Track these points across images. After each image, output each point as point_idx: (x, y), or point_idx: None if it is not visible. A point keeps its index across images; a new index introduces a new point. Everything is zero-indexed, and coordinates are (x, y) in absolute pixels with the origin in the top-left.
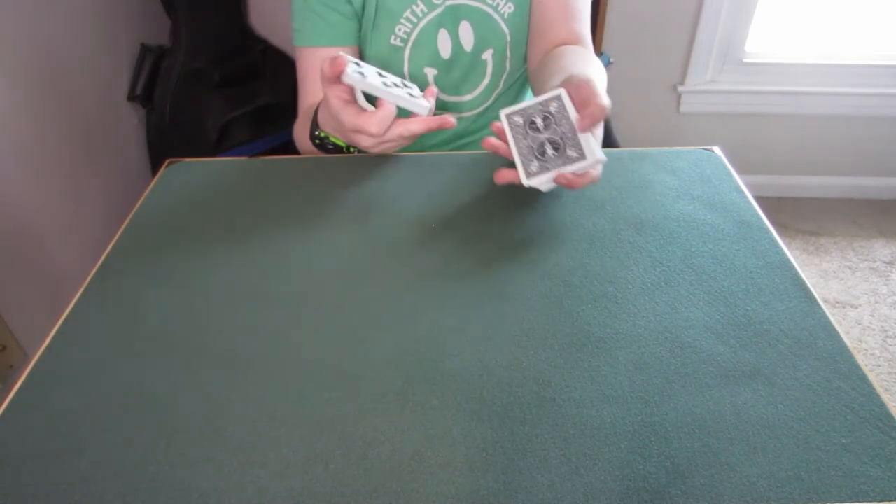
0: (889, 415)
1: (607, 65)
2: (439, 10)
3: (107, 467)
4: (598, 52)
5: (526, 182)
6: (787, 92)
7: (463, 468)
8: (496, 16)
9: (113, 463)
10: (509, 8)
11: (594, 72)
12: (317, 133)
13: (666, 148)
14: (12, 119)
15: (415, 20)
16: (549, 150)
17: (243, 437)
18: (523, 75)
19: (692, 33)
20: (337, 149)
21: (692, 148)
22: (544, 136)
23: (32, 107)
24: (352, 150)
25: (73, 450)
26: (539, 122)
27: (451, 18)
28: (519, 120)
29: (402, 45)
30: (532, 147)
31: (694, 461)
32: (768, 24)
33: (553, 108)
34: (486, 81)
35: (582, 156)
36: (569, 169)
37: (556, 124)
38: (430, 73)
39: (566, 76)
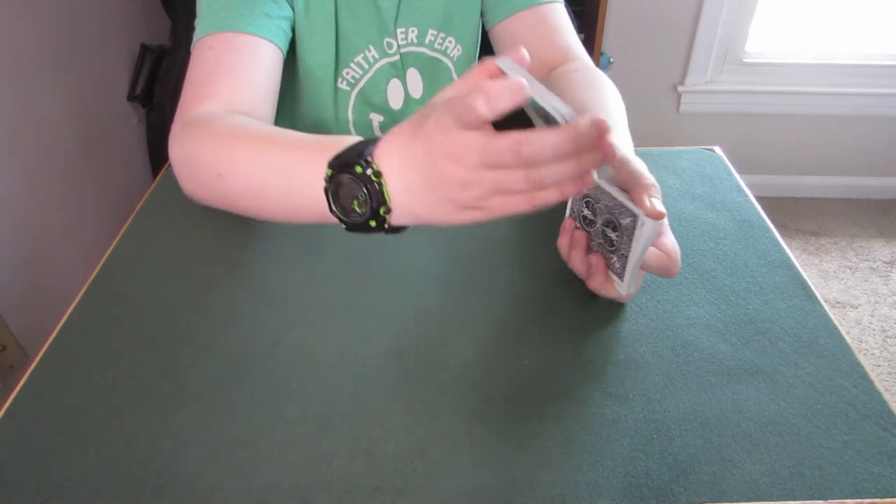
0: (890, 412)
1: (607, 65)
2: (393, 58)
3: (110, 465)
4: (598, 52)
5: (625, 291)
6: (786, 92)
7: (466, 465)
8: (446, 61)
9: (117, 461)
10: (458, 51)
11: (618, 132)
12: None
13: (667, 148)
14: (12, 119)
15: (366, 66)
16: (612, 234)
17: (248, 434)
18: None
19: (692, 33)
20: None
21: (693, 148)
22: (599, 223)
23: (32, 107)
24: (381, 212)
25: (76, 448)
26: (587, 212)
27: (404, 68)
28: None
29: (348, 88)
30: (602, 244)
31: (696, 458)
32: (768, 23)
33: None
34: None
35: (634, 216)
36: (636, 247)
37: (596, 202)
38: (376, 118)
39: None
